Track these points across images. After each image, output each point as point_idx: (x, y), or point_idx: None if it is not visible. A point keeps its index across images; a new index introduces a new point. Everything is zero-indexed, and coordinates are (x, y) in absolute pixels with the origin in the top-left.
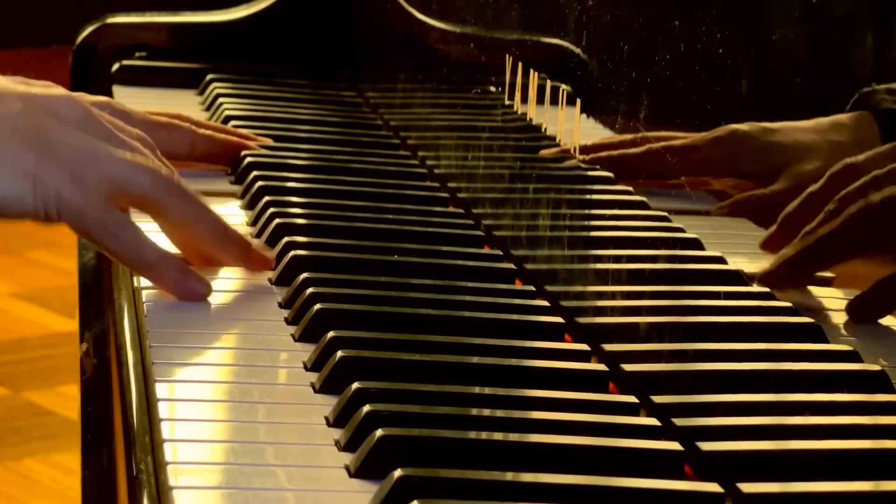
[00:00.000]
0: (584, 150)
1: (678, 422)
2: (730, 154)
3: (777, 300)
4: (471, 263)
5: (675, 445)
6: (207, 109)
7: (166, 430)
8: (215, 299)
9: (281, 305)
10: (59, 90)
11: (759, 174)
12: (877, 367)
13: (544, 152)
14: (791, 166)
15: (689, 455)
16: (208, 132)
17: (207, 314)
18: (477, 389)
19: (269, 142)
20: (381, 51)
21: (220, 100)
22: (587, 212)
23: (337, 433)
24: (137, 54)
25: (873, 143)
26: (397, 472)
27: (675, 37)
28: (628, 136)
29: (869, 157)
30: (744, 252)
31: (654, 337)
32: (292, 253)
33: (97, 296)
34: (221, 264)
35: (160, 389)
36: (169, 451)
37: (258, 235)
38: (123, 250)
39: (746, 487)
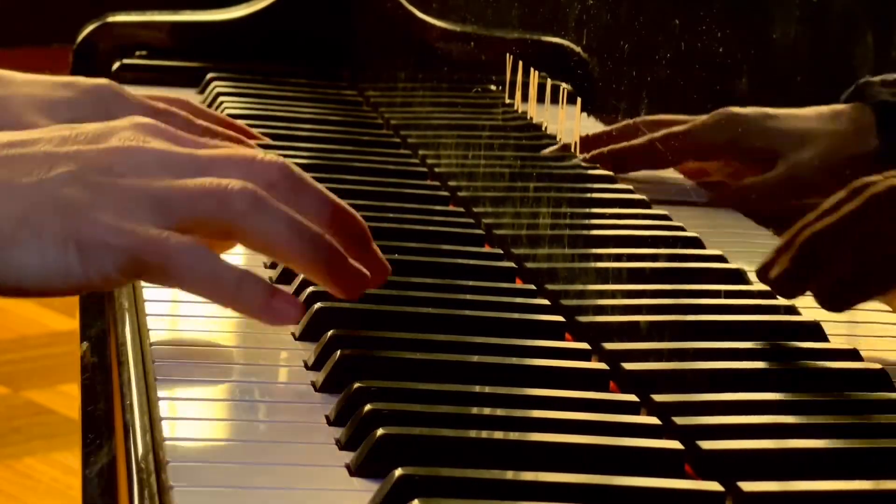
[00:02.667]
0: (584, 142)
1: (679, 420)
2: (729, 136)
3: (777, 299)
4: (471, 262)
5: (675, 444)
6: (208, 108)
7: (167, 428)
8: None
9: None
10: (112, 130)
11: (756, 157)
12: (877, 367)
13: (546, 151)
14: (788, 153)
15: (690, 454)
16: (206, 124)
17: (207, 313)
18: (477, 388)
19: (268, 140)
20: (382, 49)
21: (221, 98)
22: (588, 210)
23: (337, 432)
24: (138, 53)
25: (870, 133)
26: (398, 471)
27: (675, 36)
28: (623, 123)
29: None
30: (741, 249)
31: (654, 336)
32: None
33: (98, 294)
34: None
35: (160, 388)
36: (169, 450)
37: None
38: (194, 282)
39: (747, 486)
